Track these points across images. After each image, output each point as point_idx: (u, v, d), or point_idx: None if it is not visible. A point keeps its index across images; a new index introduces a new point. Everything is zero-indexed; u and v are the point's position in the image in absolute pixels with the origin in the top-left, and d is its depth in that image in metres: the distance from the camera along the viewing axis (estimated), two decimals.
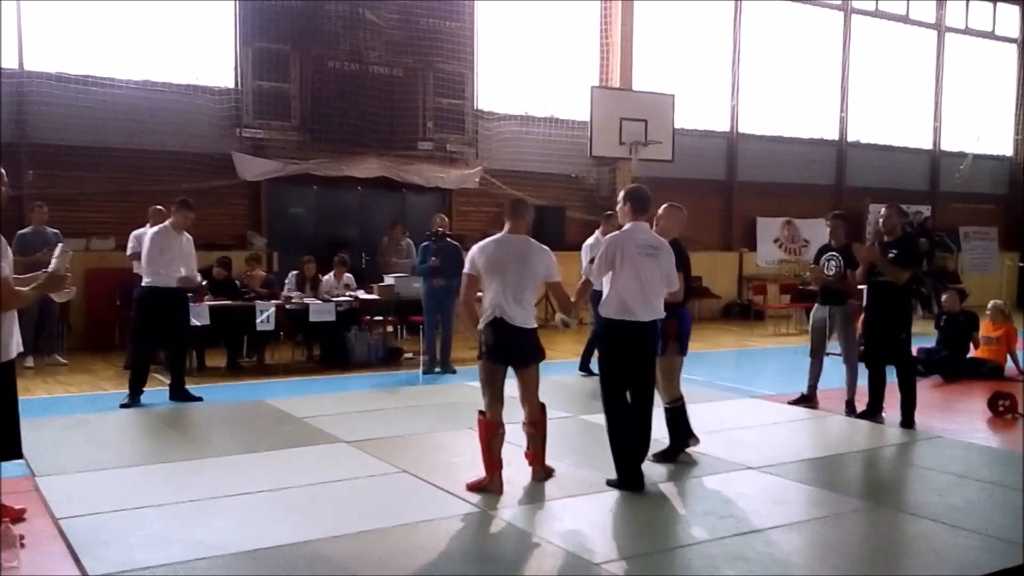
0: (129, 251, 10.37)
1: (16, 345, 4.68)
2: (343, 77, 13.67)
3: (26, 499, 5.17)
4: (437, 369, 10.51)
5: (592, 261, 5.98)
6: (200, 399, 8.50)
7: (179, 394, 8.50)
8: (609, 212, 9.21)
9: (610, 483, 5.78)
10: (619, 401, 5.79)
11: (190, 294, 8.84)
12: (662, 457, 6.40)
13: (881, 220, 8.07)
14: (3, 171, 4.78)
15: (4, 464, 4.91)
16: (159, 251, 8.30)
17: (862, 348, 8.14)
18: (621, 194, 6.06)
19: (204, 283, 8.69)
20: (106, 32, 12.44)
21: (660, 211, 6.46)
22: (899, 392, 7.76)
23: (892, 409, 7.88)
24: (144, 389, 8.36)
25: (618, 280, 5.69)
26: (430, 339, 10.58)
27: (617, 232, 5.94)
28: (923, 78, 21.18)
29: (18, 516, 4.96)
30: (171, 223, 8.48)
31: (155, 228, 8.60)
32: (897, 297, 7.70)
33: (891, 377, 7.87)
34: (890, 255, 7.68)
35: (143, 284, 8.42)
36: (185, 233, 8.56)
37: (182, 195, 9.14)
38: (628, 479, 5.74)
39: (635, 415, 5.84)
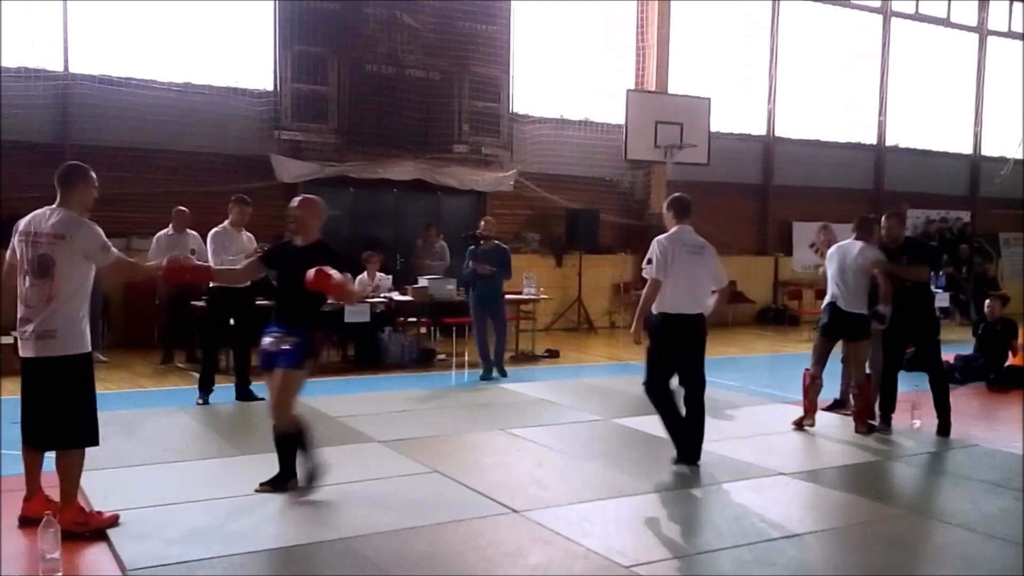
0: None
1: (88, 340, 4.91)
2: (380, 80, 13.77)
3: (58, 495, 5.26)
4: (495, 375, 10.22)
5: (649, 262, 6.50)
6: (262, 399, 8.55)
7: (244, 394, 8.54)
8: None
9: (674, 460, 6.39)
10: (667, 387, 6.38)
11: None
12: (268, 485, 5.55)
13: (884, 231, 7.74)
14: (93, 173, 5.03)
15: (44, 459, 5.05)
16: (222, 250, 8.33)
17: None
18: (665, 203, 6.70)
19: (257, 249, 8.66)
20: (148, 35, 12.63)
21: (294, 203, 5.70)
22: (933, 399, 7.69)
23: (929, 416, 7.81)
24: (214, 387, 8.49)
25: (670, 277, 6.25)
26: (481, 345, 10.33)
27: (667, 235, 6.45)
28: (964, 82, 20.90)
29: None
30: (230, 221, 8.53)
31: (214, 229, 8.55)
32: (919, 302, 7.62)
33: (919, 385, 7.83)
34: (902, 261, 7.59)
35: (210, 285, 8.44)
36: (246, 231, 8.62)
37: (221, 195, 9.24)
38: (687, 453, 6.37)
39: (689, 397, 6.39)
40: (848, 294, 7.50)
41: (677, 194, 6.76)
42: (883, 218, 7.89)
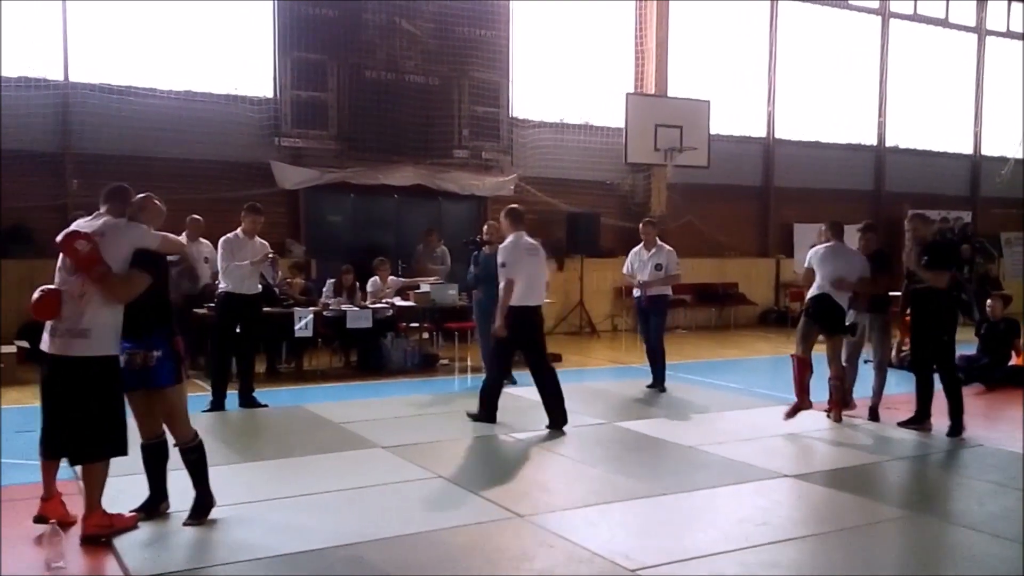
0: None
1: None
2: (380, 86, 13.81)
3: (70, 502, 5.28)
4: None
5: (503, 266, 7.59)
6: (266, 406, 8.63)
7: (248, 400, 8.61)
8: (649, 218, 10.59)
9: (474, 416, 7.83)
10: (509, 362, 8.08)
11: (269, 258, 8.84)
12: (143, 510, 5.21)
13: (910, 233, 7.98)
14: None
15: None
16: (230, 256, 8.43)
17: (905, 355, 8.15)
18: (502, 213, 7.97)
19: (270, 255, 8.83)
20: (148, 43, 12.67)
21: (137, 200, 5.19)
22: (946, 399, 7.67)
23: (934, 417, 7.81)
24: (227, 394, 8.49)
25: (518, 277, 7.50)
26: (484, 351, 10.14)
27: (508, 241, 7.70)
28: (963, 82, 20.92)
29: (72, 522, 5.06)
30: (242, 228, 8.60)
31: (226, 235, 8.61)
32: (938, 302, 7.63)
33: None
34: (922, 261, 7.62)
35: (220, 290, 8.57)
36: (259, 238, 8.70)
37: (222, 203, 9.27)
38: (489, 414, 7.81)
39: (538, 369, 7.72)
40: (841, 293, 7.88)
41: (512, 205, 8.09)
42: (906, 222, 8.28)
